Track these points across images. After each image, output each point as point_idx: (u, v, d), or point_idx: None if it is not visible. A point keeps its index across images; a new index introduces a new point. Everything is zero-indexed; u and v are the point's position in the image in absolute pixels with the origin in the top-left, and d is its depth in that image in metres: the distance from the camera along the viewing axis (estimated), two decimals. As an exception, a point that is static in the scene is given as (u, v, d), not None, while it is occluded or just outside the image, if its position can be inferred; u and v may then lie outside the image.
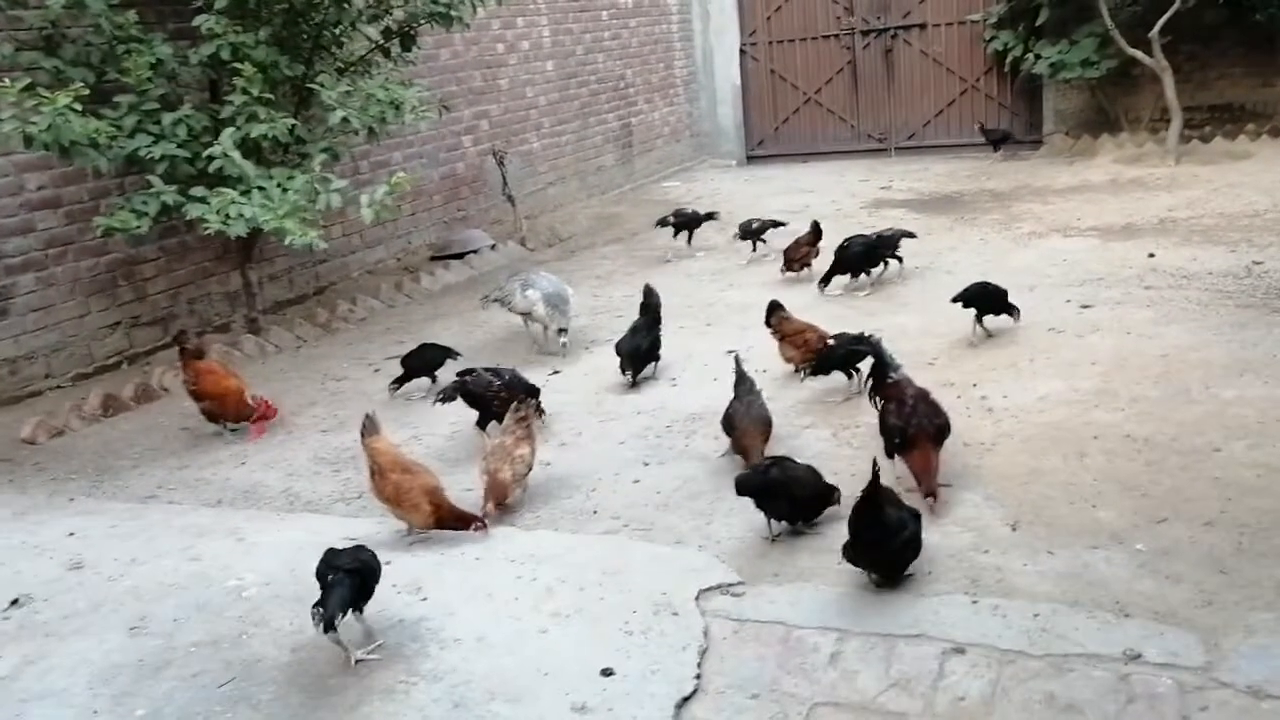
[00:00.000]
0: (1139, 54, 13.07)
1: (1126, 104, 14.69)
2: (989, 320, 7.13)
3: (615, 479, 5.47)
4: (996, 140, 15.09)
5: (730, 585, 4.27)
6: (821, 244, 9.14)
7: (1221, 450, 5.11)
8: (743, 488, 4.70)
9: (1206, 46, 13.94)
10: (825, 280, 8.63)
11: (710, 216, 10.74)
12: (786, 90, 17.30)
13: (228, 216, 7.01)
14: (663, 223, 10.77)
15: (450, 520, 4.76)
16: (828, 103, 17.09)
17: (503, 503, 5.04)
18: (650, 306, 7.09)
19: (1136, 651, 3.61)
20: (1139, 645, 3.64)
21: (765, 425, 5.39)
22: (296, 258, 9.60)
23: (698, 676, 3.70)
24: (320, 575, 3.90)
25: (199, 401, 6.52)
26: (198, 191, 7.18)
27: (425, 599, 4.28)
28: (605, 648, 3.88)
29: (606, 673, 3.72)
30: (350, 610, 3.88)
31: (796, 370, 6.62)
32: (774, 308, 6.84)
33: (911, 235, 9.02)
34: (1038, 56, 14.28)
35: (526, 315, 7.68)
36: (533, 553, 4.65)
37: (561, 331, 7.57)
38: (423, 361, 7.14)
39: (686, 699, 3.59)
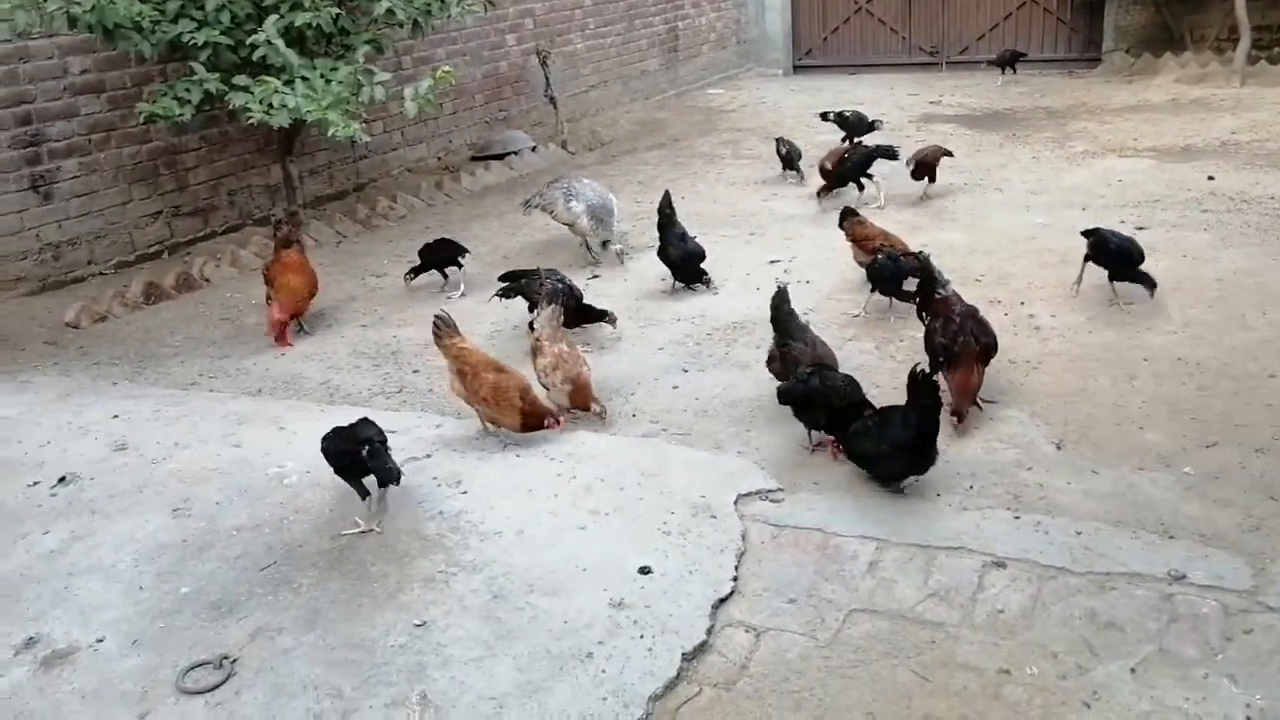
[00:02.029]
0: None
1: (1192, 21, 14.19)
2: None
3: (655, 384, 5.44)
4: (1005, 62, 14.54)
5: (769, 491, 4.25)
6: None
7: (1276, 376, 5.01)
8: (784, 397, 4.66)
9: (1280, -38, 13.40)
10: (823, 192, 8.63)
11: (874, 125, 10.03)
12: (837, -2, 16.85)
13: (270, 106, 6.92)
14: (824, 117, 10.36)
15: (535, 420, 4.64)
16: (879, 12, 16.62)
17: (589, 405, 4.95)
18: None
19: (1181, 572, 3.57)
20: (1184, 567, 3.60)
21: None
22: (337, 152, 9.53)
23: (735, 579, 3.70)
24: (356, 446, 4.00)
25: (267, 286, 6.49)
26: (241, 80, 7.09)
27: (466, 492, 4.30)
28: (643, 546, 3.88)
29: (644, 571, 3.73)
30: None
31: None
32: (848, 213, 6.75)
33: (949, 151, 8.82)
34: (1101, -32, 13.80)
35: (570, 225, 7.56)
36: (572, 452, 4.65)
37: (605, 243, 7.46)
38: (443, 254, 7.13)
39: (723, 600, 3.59)
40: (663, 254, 6.77)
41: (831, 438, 4.51)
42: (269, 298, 6.42)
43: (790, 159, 9.57)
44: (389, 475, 4.01)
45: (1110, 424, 4.69)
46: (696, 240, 6.84)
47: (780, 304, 5.10)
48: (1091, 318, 5.88)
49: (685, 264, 6.71)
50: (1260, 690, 3.05)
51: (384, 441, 4.08)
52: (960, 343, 4.82)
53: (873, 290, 6.14)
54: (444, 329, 4.89)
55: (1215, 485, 4.13)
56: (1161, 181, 8.66)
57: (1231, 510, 3.95)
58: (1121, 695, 3.07)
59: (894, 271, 5.97)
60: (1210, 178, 8.58)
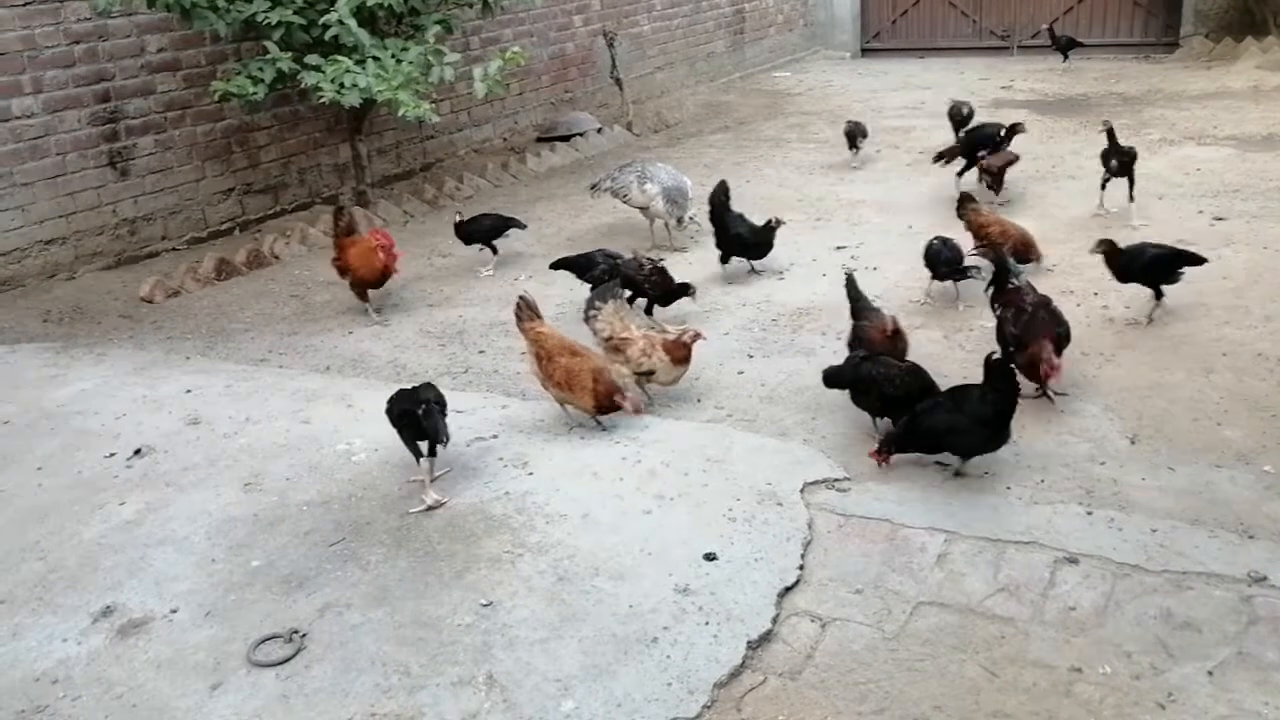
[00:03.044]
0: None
1: (1275, 5, 13.74)
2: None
3: (720, 369, 5.42)
4: (1061, 47, 14.09)
5: (836, 480, 4.21)
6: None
7: (1362, 375, 4.86)
8: (829, 380, 4.62)
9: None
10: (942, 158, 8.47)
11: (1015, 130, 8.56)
12: (907, -20, 16.60)
13: (342, 86, 6.99)
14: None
15: (608, 400, 4.59)
16: (950, -5, 16.35)
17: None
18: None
19: (1261, 574, 3.48)
20: (1264, 568, 3.51)
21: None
22: (405, 133, 9.60)
23: (801, 567, 3.67)
24: (414, 405, 4.12)
25: (343, 276, 6.48)
26: (313, 59, 7.17)
27: (532, 474, 4.32)
28: (708, 533, 3.87)
29: (709, 557, 3.72)
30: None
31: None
32: (965, 199, 6.69)
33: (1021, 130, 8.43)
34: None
35: (644, 209, 7.52)
36: (636, 436, 4.65)
37: (680, 221, 7.43)
38: (481, 229, 7.18)
39: (789, 589, 3.57)
40: (727, 238, 6.72)
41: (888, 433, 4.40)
42: (344, 273, 6.42)
43: (853, 137, 9.46)
44: (436, 436, 4.11)
45: (1187, 419, 4.58)
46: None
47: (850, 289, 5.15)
48: (1169, 310, 5.73)
49: (756, 240, 6.66)
50: (1342, 697, 2.97)
51: (442, 404, 4.20)
52: (1031, 332, 4.71)
53: (933, 277, 6.06)
54: (525, 312, 4.92)
55: (1297, 485, 4.02)
56: (1241, 171, 8.42)
57: (1314, 511, 3.84)
58: (1198, 698, 3.01)
59: (947, 256, 5.92)
60: (1294, 168, 8.34)
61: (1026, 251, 6.19)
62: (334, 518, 4.11)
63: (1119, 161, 7.33)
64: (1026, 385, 4.54)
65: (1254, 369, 5.01)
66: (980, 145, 8.19)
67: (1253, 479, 4.08)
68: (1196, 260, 5.53)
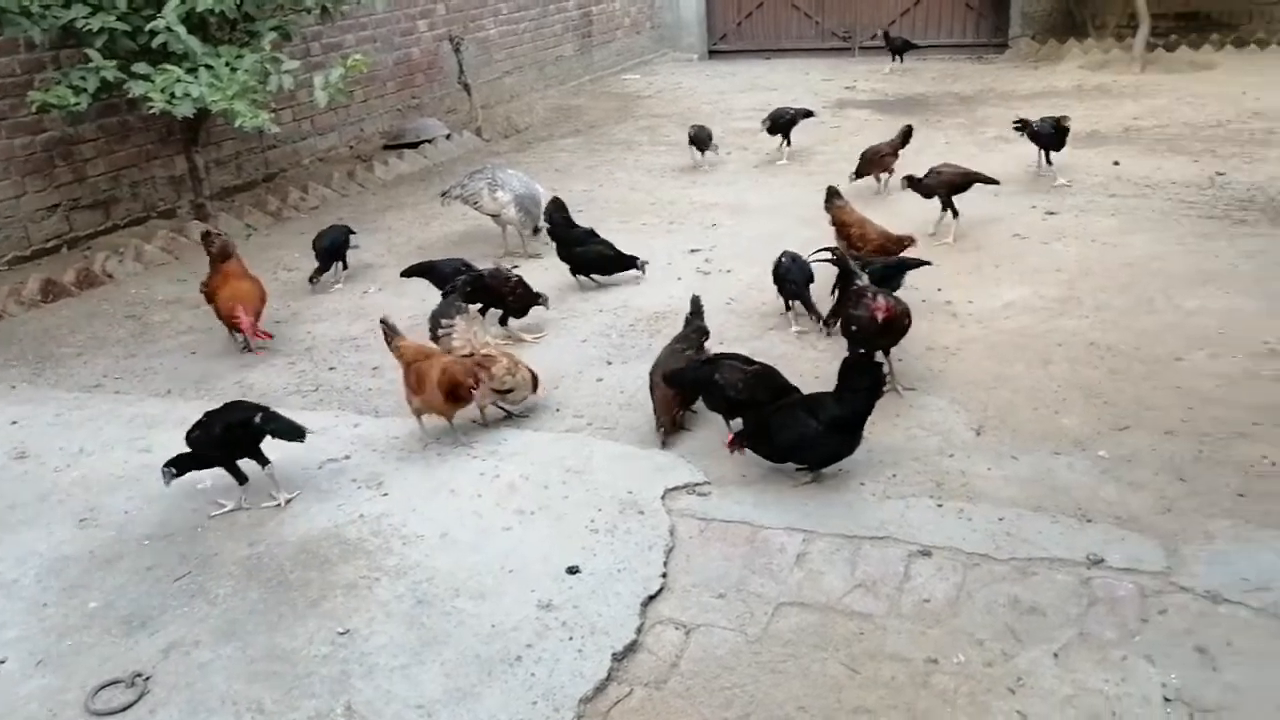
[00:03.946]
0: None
1: (1094, 9, 14.53)
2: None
3: (578, 377, 5.39)
4: (897, 49, 14.54)
5: (697, 485, 4.23)
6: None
7: (1183, 360, 5.14)
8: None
9: (1176, -48, 13.80)
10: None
11: (808, 114, 9.97)
12: (750, -17, 16.90)
13: (173, 95, 6.70)
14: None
15: (452, 390, 4.46)
16: (792, -2, 16.73)
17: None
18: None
19: (1099, 556, 3.64)
20: (1101, 550, 3.68)
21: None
22: (245, 142, 9.26)
23: (664, 575, 3.67)
24: (249, 416, 4.08)
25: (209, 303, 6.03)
26: (140, 68, 6.84)
27: (387, 494, 4.21)
28: (570, 545, 3.84)
29: (572, 570, 3.69)
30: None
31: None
32: (832, 194, 6.61)
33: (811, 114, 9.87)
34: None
35: (495, 216, 7.42)
36: (495, 450, 4.58)
37: (536, 231, 7.35)
38: (331, 243, 6.97)
39: (653, 597, 3.56)
40: (577, 255, 6.68)
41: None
42: (219, 314, 5.93)
43: (701, 143, 9.52)
44: (295, 431, 4.06)
45: (1028, 409, 4.77)
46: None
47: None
48: (1008, 304, 5.97)
49: (610, 256, 6.65)
50: (1175, 669, 3.12)
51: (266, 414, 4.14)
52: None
53: (779, 293, 5.87)
54: (390, 334, 4.84)
55: (1128, 468, 4.22)
56: (1069, 167, 8.83)
57: (1144, 493, 4.04)
58: (1045, 680, 3.12)
59: (796, 275, 5.73)
60: (1116, 163, 8.80)
61: (897, 248, 6.15)
62: (178, 550, 3.92)
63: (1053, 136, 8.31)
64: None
65: (1087, 358, 5.25)
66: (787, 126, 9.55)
67: (1089, 464, 4.27)
68: (990, 180, 7.17)
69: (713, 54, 17.33)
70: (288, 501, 4.15)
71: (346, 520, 4.04)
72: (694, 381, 4.56)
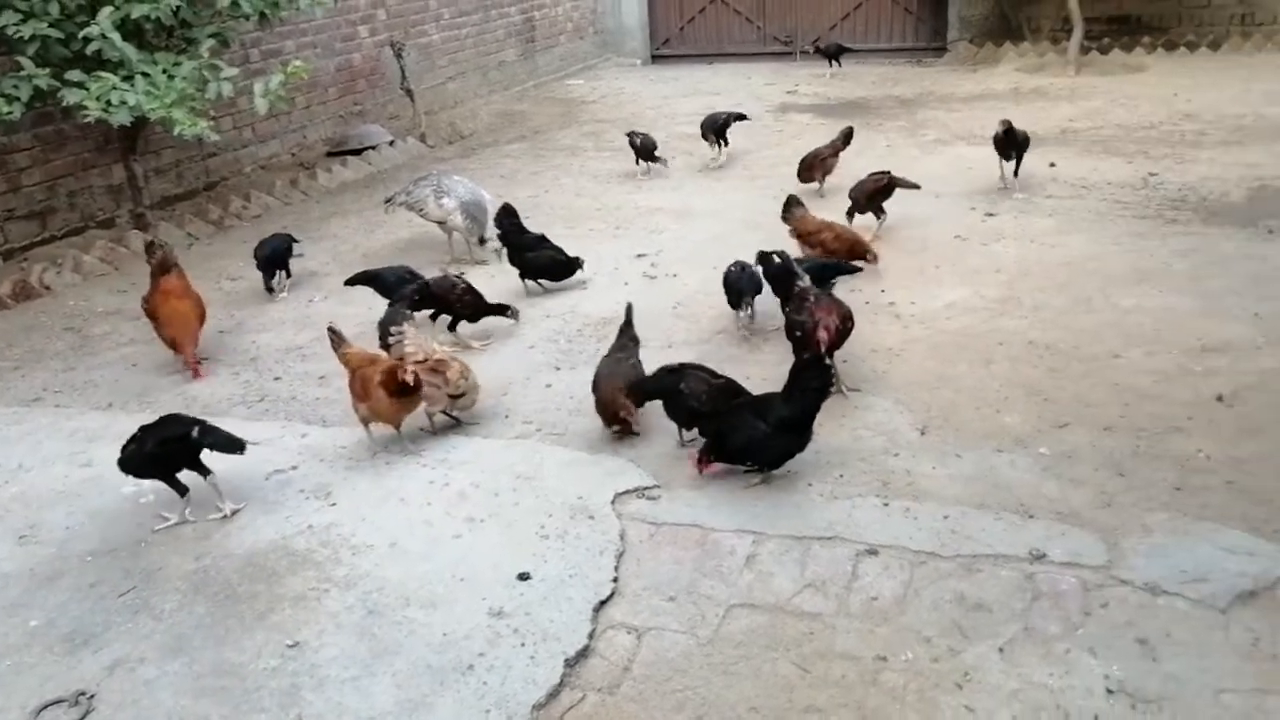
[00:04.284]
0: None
1: (1029, 12, 14.81)
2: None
3: (526, 383, 5.39)
4: (831, 54, 14.76)
5: (646, 489, 4.25)
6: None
7: (1120, 357, 5.26)
8: (633, 390, 4.63)
9: (1107, -44, 14.09)
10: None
11: (741, 117, 10.00)
12: (692, -12, 16.98)
13: (109, 104, 6.58)
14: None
15: (394, 381, 4.39)
16: (734, 3, 16.84)
17: None
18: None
19: (1041, 551, 3.72)
20: (1043, 545, 3.75)
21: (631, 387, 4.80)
22: (185, 150, 9.13)
23: (615, 580, 3.69)
24: (186, 430, 4.04)
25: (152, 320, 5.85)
26: (74, 76, 6.71)
27: (335, 504, 4.18)
28: (521, 552, 3.84)
29: (523, 577, 3.69)
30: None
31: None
32: (791, 203, 6.63)
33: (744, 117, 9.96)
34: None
35: (441, 223, 7.37)
36: (444, 458, 4.56)
37: (483, 240, 7.32)
38: (272, 251, 6.91)
39: (604, 602, 3.58)
40: (529, 260, 6.68)
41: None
42: (161, 335, 5.77)
43: (646, 151, 9.53)
44: (234, 443, 4.03)
45: (970, 408, 4.85)
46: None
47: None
48: (949, 304, 6.07)
49: (562, 261, 6.65)
50: (1117, 661, 3.20)
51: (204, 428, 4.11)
52: (814, 320, 4.82)
53: (730, 303, 5.87)
54: (337, 341, 4.81)
55: (1069, 464, 4.31)
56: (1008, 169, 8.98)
57: (1085, 488, 4.12)
58: (991, 675, 3.18)
59: (745, 284, 5.74)
60: (1052, 164, 8.96)
61: (863, 254, 6.25)
62: (122, 566, 3.87)
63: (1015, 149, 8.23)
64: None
65: (1027, 357, 5.35)
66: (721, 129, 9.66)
67: (1030, 461, 4.35)
68: (911, 185, 7.39)
69: (656, 59, 17.39)
70: (234, 513, 4.11)
71: (294, 531, 4.00)
72: (658, 391, 4.57)
